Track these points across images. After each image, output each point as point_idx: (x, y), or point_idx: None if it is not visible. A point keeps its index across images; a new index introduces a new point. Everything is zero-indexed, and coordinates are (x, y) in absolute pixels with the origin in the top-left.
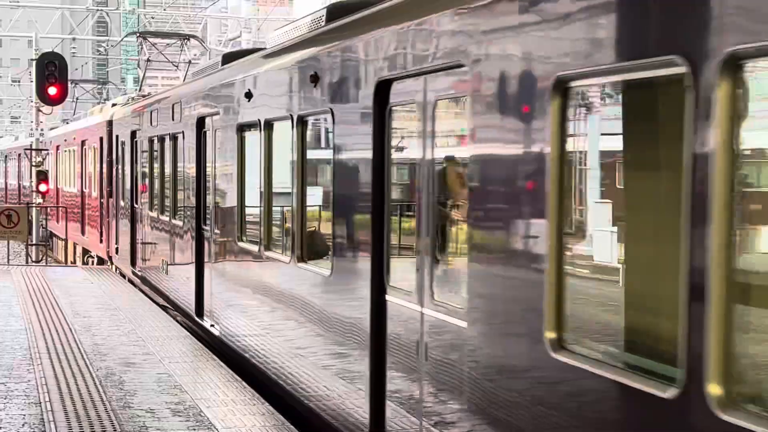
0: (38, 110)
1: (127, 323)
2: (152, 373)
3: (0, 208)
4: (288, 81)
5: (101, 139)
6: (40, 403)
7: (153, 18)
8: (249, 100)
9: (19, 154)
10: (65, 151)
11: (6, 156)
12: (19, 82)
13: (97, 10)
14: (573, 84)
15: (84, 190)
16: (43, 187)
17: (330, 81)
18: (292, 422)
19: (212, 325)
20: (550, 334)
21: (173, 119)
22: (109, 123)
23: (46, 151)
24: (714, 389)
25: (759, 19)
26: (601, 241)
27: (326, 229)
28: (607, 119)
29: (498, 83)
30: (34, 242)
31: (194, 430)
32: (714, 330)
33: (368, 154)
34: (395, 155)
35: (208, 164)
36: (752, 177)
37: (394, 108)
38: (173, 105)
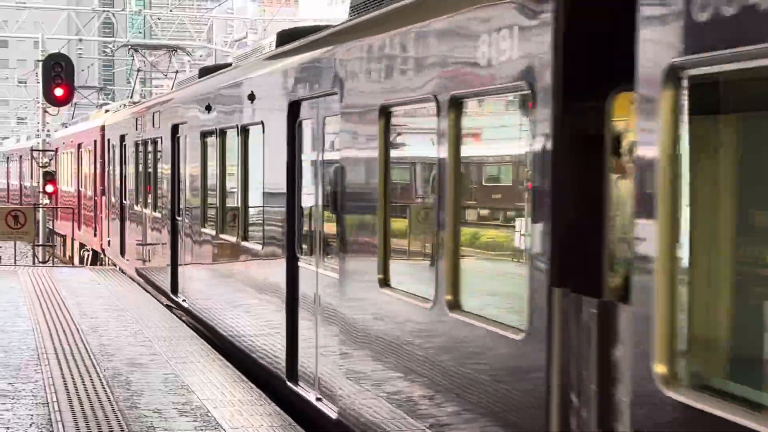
0: (45, 111)
1: (133, 324)
2: (159, 373)
3: (7, 208)
4: (236, 97)
5: (95, 142)
6: (48, 403)
7: (159, 19)
8: (209, 112)
9: (21, 156)
10: (64, 153)
11: (8, 158)
12: (25, 83)
13: (103, 11)
14: (391, 109)
15: (80, 189)
16: (49, 188)
17: (261, 99)
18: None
19: (183, 300)
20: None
21: (154, 125)
22: (102, 128)
23: (52, 152)
24: None
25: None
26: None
27: (263, 215)
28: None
29: (355, 107)
30: (40, 243)
31: (201, 430)
32: None
33: (284, 157)
34: (304, 157)
35: (180, 165)
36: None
37: (303, 121)
38: (153, 113)
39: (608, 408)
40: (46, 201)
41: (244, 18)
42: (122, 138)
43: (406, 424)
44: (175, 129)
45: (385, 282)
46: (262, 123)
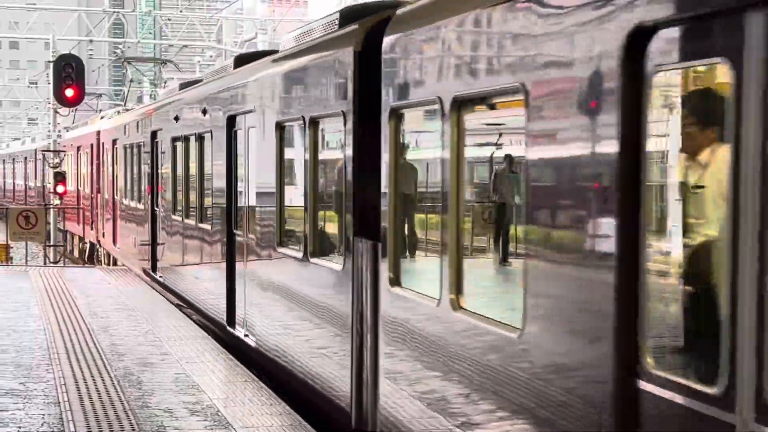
0: (56, 112)
1: (144, 323)
2: (170, 372)
3: (18, 209)
4: (194, 110)
5: (92, 145)
6: (59, 402)
7: (169, 20)
8: (176, 122)
9: (26, 158)
10: (66, 155)
11: (14, 159)
12: (36, 84)
13: (114, 12)
14: (284, 125)
15: (79, 188)
16: (60, 189)
17: (210, 113)
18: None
19: (160, 276)
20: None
21: (138, 131)
22: (98, 132)
23: (63, 153)
24: None
25: None
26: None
27: (213, 201)
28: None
29: (265, 122)
30: (51, 243)
31: (212, 429)
32: None
33: (224, 162)
34: (240, 161)
35: (159, 166)
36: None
37: (237, 131)
38: (138, 121)
39: None
40: (57, 201)
41: (253, 18)
42: (114, 142)
43: (295, 339)
44: (153, 135)
45: (280, 243)
46: (210, 132)
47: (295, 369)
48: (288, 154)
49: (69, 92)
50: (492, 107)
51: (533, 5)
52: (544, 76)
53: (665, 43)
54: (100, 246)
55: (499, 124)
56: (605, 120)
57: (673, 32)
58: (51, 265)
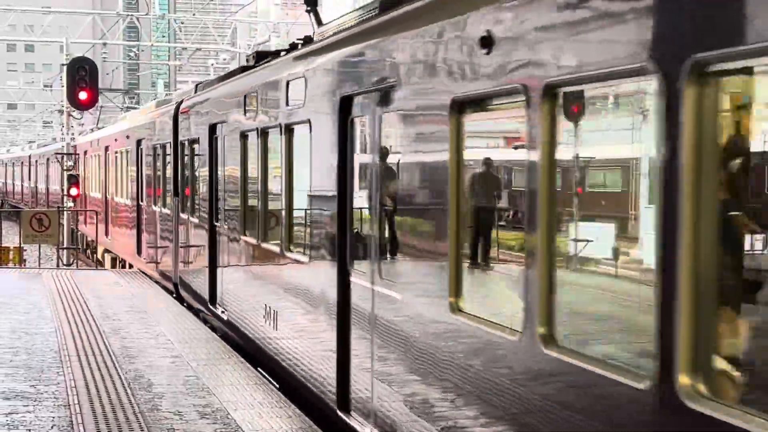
0: (69, 115)
1: (155, 326)
2: (180, 375)
3: (31, 212)
4: (176, 120)
5: (86, 152)
6: (69, 405)
7: (183, 23)
8: (155, 131)
9: (22, 162)
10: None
11: (13, 163)
12: (51, 87)
13: (128, 15)
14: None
15: (85, 192)
16: (74, 191)
17: (195, 121)
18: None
19: (149, 261)
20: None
21: (127, 140)
22: (97, 140)
23: (76, 155)
24: None
25: None
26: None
27: (196, 194)
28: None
29: (230, 130)
30: (64, 246)
31: None
32: None
33: (206, 166)
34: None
35: (144, 170)
36: None
37: (216, 138)
38: (127, 133)
39: None
40: (70, 204)
41: (267, 21)
42: (106, 149)
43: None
44: (138, 142)
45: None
46: (198, 139)
47: None
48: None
49: (82, 95)
50: None
51: None
52: None
53: None
54: (97, 244)
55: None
56: None
57: None
58: (64, 267)
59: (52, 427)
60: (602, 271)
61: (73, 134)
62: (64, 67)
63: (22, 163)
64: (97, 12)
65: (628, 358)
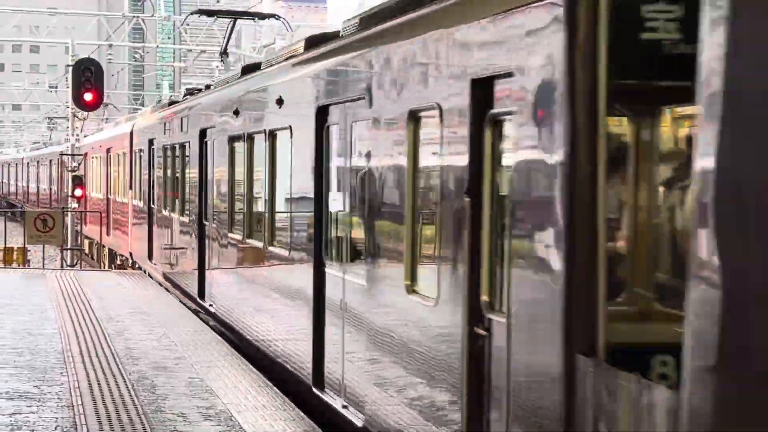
0: (74, 116)
1: (159, 327)
2: (184, 377)
3: (36, 212)
4: (165, 126)
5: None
6: (73, 406)
7: (188, 25)
8: (167, 132)
9: (16, 164)
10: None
11: (8, 165)
12: (56, 88)
13: (133, 16)
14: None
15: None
16: (78, 192)
17: (179, 128)
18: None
19: (129, 253)
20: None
21: (122, 144)
22: (99, 144)
23: (80, 157)
24: None
25: None
26: None
27: (170, 189)
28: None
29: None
30: (68, 246)
31: None
32: None
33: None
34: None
35: (138, 171)
36: None
37: (206, 142)
38: (121, 137)
39: None
40: (75, 205)
41: (271, 24)
42: (108, 150)
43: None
44: (108, 150)
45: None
46: (188, 143)
47: None
48: None
49: (88, 96)
50: None
51: None
52: None
53: None
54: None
55: None
56: None
57: None
58: (68, 268)
59: (55, 428)
60: None
61: (77, 136)
62: (70, 68)
63: (16, 164)
64: (103, 13)
65: None
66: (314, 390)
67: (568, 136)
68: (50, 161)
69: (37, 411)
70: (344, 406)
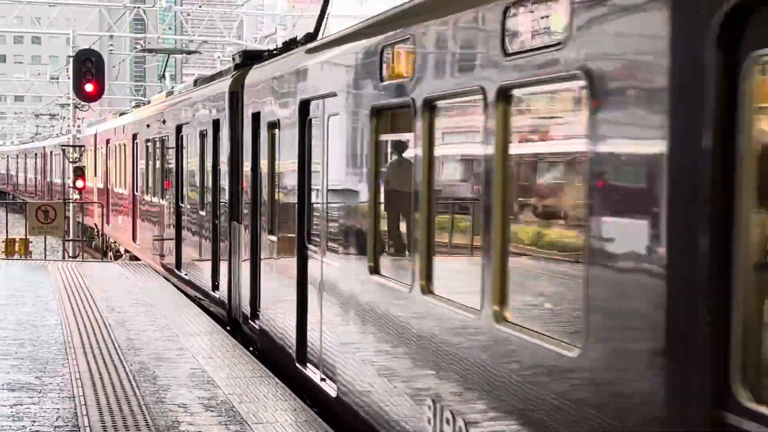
0: (75, 107)
1: (161, 319)
2: (185, 368)
3: (37, 204)
4: (159, 120)
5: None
6: (74, 397)
7: (189, 15)
8: (148, 127)
9: (8, 156)
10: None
11: (8, 156)
12: (57, 79)
13: (134, 7)
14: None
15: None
16: (80, 183)
17: (168, 123)
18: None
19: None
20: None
21: (115, 135)
22: (95, 136)
23: (83, 147)
24: None
25: None
26: None
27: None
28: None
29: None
30: (70, 238)
31: (226, 425)
32: None
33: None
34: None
35: (138, 161)
36: None
37: (181, 136)
38: (116, 129)
39: None
40: (76, 196)
41: (273, 14)
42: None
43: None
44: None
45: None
46: (172, 136)
47: None
48: None
49: (89, 87)
50: None
51: None
52: None
53: None
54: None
55: None
56: None
57: None
58: (70, 259)
59: (56, 419)
60: None
61: (78, 127)
62: (71, 59)
63: (7, 157)
64: (104, 4)
65: None
66: (297, 365)
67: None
68: (35, 154)
69: (39, 402)
70: None
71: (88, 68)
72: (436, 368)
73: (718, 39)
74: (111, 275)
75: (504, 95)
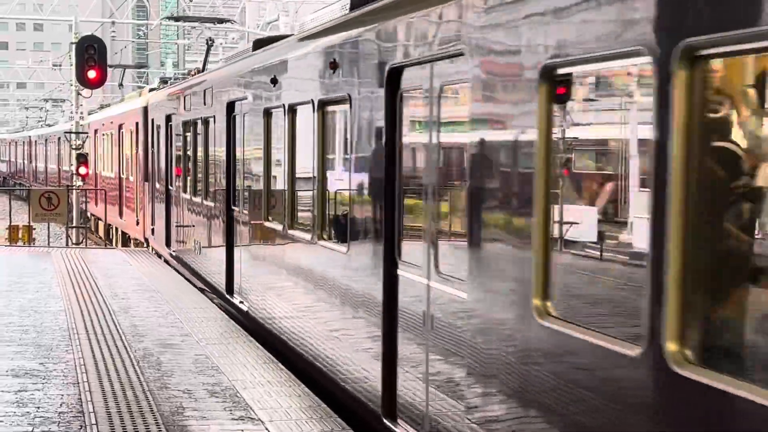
0: (78, 94)
1: (165, 305)
2: (189, 354)
3: (40, 190)
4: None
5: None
6: (78, 383)
7: (191, 1)
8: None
9: (9, 143)
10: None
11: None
12: (60, 66)
13: None
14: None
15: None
16: (83, 170)
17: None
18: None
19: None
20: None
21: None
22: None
23: (86, 134)
24: None
25: None
26: None
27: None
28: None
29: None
30: (74, 225)
31: (230, 411)
32: None
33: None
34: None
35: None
36: None
37: (172, 127)
38: (109, 120)
39: None
40: (80, 183)
41: (276, 0)
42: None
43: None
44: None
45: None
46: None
47: None
48: None
49: (91, 74)
50: None
51: None
52: None
53: None
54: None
55: None
56: None
57: None
58: (73, 246)
59: (60, 405)
60: None
61: (82, 113)
62: (73, 46)
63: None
64: None
65: None
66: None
67: None
68: (24, 142)
69: (43, 388)
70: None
71: (91, 55)
72: None
73: None
74: (115, 261)
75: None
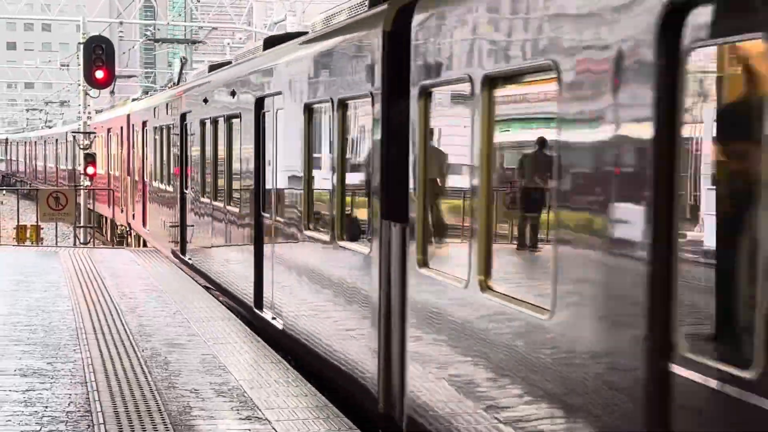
0: (86, 94)
1: (172, 304)
2: (197, 353)
3: (48, 190)
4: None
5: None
6: (86, 382)
7: (199, 1)
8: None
9: (14, 143)
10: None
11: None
12: (67, 66)
13: None
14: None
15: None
16: (90, 170)
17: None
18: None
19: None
20: None
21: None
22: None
23: (94, 134)
24: None
25: None
26: None
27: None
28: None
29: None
30: (81, 224)
31: (237, 410)
32: None
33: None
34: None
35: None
36: None
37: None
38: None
39: None
40: (87, 183)
41: (283, 0)
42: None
43: None
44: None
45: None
46: (180, 123)
47: None
48: None
49: (99, 74)
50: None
51: None
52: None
53: None
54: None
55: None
56: None
57: None
58: (81, 246)
59: (68, 404)
60: None
61: (89, 113)
62: (81, 46)
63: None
64: None
65: None
66: (255, 310)
67: None
68: (26, 143)
69: (51, 388)
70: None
71: (99, 55)
72: None
73: None
74: (122, 261)
75: None
